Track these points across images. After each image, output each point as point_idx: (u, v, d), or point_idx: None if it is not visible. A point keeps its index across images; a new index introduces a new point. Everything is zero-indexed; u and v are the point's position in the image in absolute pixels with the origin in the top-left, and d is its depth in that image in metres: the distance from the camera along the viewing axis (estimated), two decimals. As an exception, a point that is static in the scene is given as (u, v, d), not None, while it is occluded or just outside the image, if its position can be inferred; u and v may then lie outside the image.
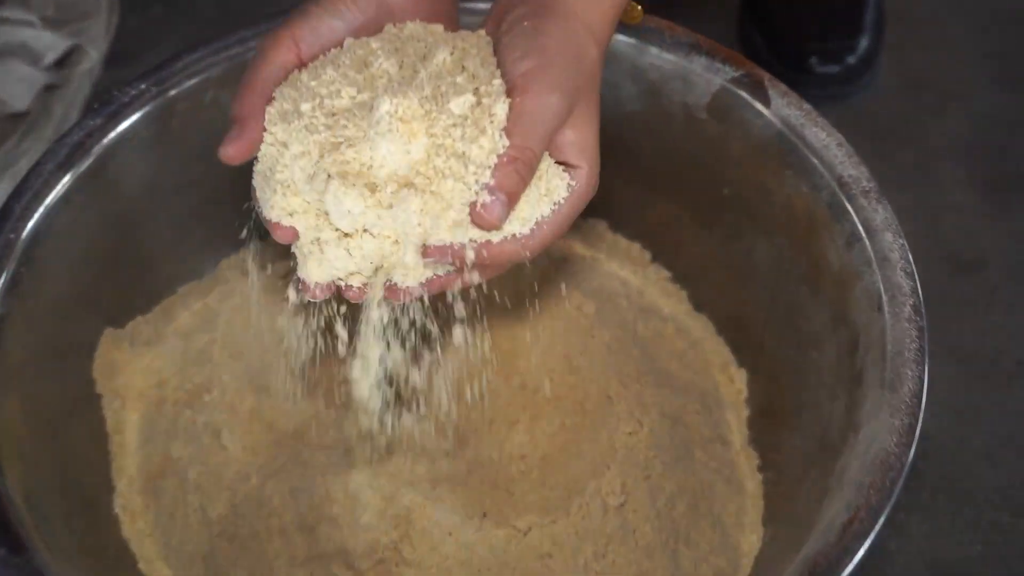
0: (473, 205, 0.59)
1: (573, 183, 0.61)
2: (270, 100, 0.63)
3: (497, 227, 0.59)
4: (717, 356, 0.86)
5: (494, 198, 0.58)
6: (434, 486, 0.76)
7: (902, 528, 0.90)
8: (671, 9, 0.87)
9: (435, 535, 0.73)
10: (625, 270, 0.90)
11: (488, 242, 0.60)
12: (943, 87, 1.14)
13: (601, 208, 0.94)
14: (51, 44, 0.99)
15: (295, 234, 0.61)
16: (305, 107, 0.61)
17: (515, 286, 0.84)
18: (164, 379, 0.83)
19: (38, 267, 0.77)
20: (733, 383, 0.85)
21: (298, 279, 0.62)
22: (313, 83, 0.62)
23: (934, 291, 0.81)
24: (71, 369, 0.81)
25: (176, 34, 1.19)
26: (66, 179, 0.79)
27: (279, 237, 0.61)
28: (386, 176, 0.58)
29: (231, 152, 0.62)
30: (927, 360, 0.68)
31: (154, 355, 0.84)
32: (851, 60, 1.08)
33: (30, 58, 0.99)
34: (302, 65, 0.64)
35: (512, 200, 0.59)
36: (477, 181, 0.58)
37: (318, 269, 0.61)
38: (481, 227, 0.59)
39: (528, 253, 0.61)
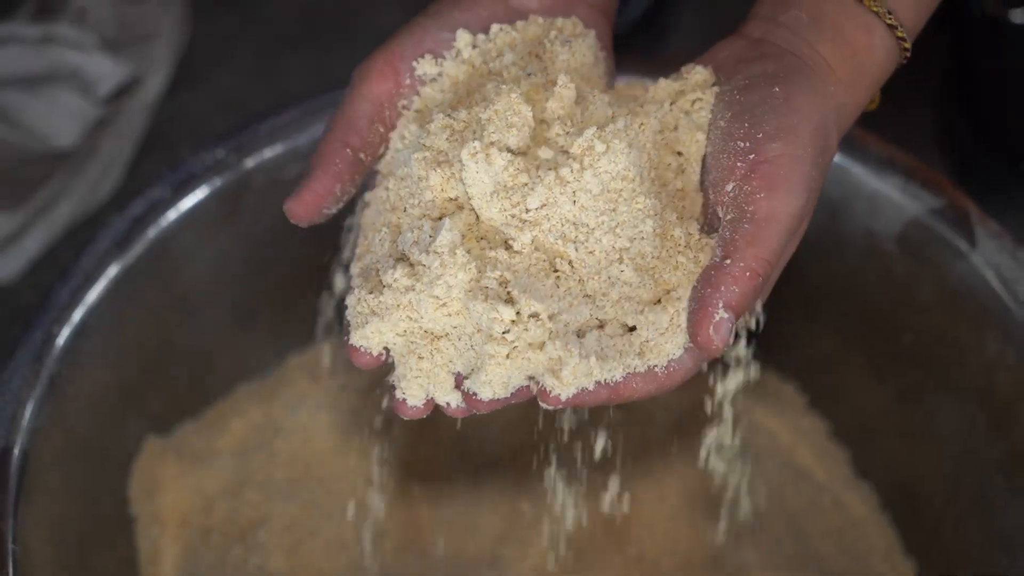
0: (696, 321, 0.57)
1: None
2: (360, 145, 0.63)
3: (717, 354, 0.57)
4: (881, 539, 0.88)
5: (727, 317, 0.57)
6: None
7: None
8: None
9: None
10: (775, 419, 0.92)
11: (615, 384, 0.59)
12: None
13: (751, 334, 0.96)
14: (108, 72, 1.04)
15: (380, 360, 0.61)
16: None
17: (641, 433, 0.86)
18: (212, 504, 0.87)
19: (80, 365, 0.81)
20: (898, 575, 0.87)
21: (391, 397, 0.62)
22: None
23: None
24: (106, 484, 0.85)
25: (252, 49, 1.23)
26: (122, 260, 0.83)
27: (361, 363, 0.61)
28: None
29: (291, 207, 0.62)
30: None
31: (202, 474, 0.87)
32: (1077, 166, 1.08)
33: (82, 87, 1.03)
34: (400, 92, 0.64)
35: (738, 320, 0.57)
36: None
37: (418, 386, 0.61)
38: (704, 350, 0.57)
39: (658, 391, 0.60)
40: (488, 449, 0.86)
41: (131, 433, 0.87)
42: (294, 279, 0.90)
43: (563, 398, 0.58)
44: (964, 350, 0.82)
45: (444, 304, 0.59)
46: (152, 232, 0.84)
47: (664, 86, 0.64)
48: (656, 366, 0.59)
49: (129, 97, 1.07)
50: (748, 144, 0.59)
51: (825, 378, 0.93)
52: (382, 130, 0.64)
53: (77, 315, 0.80)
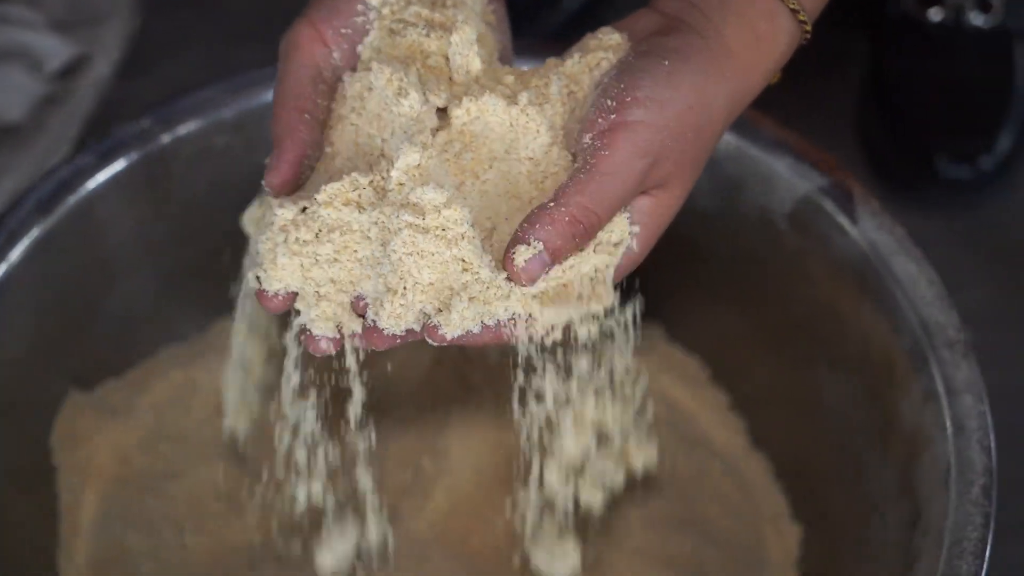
0: (508, 250, 0.61)
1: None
2: (313, 109, 0.67)
3: (527, 285, 0.62)
4: (769, 505, 0.92)
5: (537, 252, 0.61)
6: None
7: None
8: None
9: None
10: (678, 390, 0.96)
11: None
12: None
13: (659, 310, 1.00)
14: (54, 50, 1.09)
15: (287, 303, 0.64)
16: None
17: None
18: (129, 457, 0.91)
19: (2, 318, 0.85)
20: (784, 540, 0.90)
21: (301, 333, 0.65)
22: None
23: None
24: (27, 436, 0.89)
25: (203, 42, 1.27)
26: (46, 221, 0.87)
27: (272, 308, 0.64)
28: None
29: (272, 181, 0.65)
30: (988, 555, 0.72)
31: (122, 428, 0.92)
32: (986, 163, 1.11)
33: (29, 64, 1.08)
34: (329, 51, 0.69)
35: (554, 262, 0.62)
36: None
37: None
38: (510, 277, 0.62)
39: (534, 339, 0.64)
40: (394, 407, 0.91)
41: (53, 389, 0.91)
42: (221, 249, 0.95)
43: (448, 337, 0.62)
44: (845, 322, 0.87)
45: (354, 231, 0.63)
46: (76, 196, 0.88)
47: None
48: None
49: (78, 76, 1.12)
50: (615, 104, 0.63)
51: (728, 352, 0.97)
52: (324, 88, 0.68)
53: (0, 270, 0.85)
